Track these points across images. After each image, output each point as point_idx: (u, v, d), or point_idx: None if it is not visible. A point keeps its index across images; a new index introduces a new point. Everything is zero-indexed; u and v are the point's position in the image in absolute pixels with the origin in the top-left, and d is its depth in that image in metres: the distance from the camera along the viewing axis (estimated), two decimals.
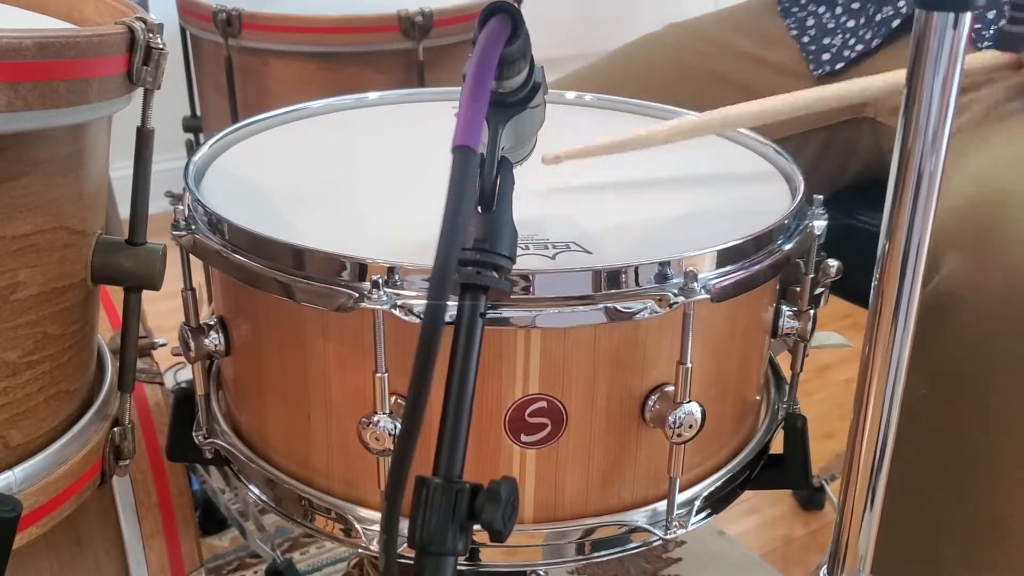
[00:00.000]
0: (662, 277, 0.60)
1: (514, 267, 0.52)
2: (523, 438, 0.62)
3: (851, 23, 1.11)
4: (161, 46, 0.61)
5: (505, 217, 0.52)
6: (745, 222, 0.65)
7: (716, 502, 0.69)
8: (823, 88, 0.82)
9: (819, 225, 0.69)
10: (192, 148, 1.42)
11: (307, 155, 0.84)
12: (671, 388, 0.62)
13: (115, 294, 0.72)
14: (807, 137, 1.10)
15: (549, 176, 0.74)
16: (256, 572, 1.28)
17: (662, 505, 0.66)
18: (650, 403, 0.63)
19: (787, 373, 0.77)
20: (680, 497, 0.66)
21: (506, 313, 0.58)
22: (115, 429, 0.70)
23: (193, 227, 0.67)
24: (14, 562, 0.60)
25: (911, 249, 0.55)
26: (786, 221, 0.67)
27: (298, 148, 0.85)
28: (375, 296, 0.57)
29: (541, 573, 0.81)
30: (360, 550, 0.66)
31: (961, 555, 0.84)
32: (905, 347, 0.58)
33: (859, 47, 1.09)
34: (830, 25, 1.13)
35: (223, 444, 0.72)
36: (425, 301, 0.57)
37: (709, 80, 1.15)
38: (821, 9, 1.15)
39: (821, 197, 0.71)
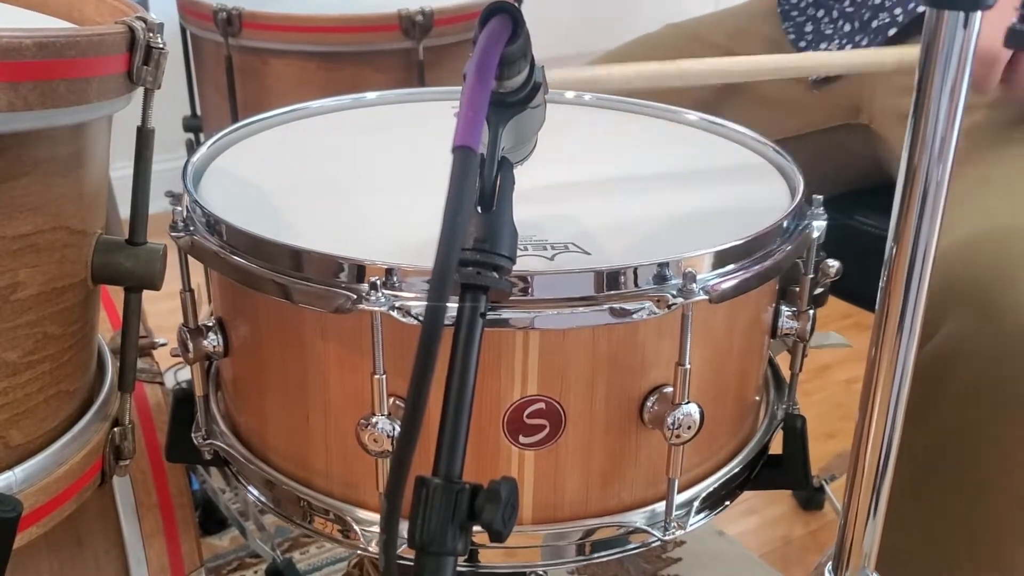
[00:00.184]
0: (661, 278, 0.60)
1: (513, 268, 0.52)
2: (521, 439, 0.62)
3: (847, 27, 1.11)
4: (161, 46, 0.61)
5: (505, 217, 0.52)
6: (744, 222, 0.65)
7: (715, 503, 0.69)
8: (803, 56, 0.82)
9: (818, 225, 0.69)
10: (192, 148, 1.42)
11: (307, 155, 0.84)
12: (670, 389, 0.62)
13: (115, 294, 0.72)
14: (802, 141, 1.10)
15: (549, 176, 0.74)
16: (256, 572, 1.28)
17: (661, 506, 0.66)
18: (649, 404, 0.63)
19: (786, 373, 0.77)
20: (679, 498, 0.66)
21: (505, 314, 0.58)
22: (115, 429, 0.70)
23: (191, 228, 0.67)
24: (14, 562, 0.60)
25: (919, 251, 0.55)
26: (785, 222, 0.67)
27: (298, 148, 0.85)
28: (373, 298, 0.57)
29: (540, 574, 0.81)
30: (359, 551, 0.66)
31: (963, 556, 0.85)
32: (911, 349, 0.58)
33: None
34: (827, 31, 1.13)
35: (222, 445, 0.72)
36: (423, 303, 0.57)
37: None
38: (819, 14, 1.15)
39: (821, 197, 0.71)
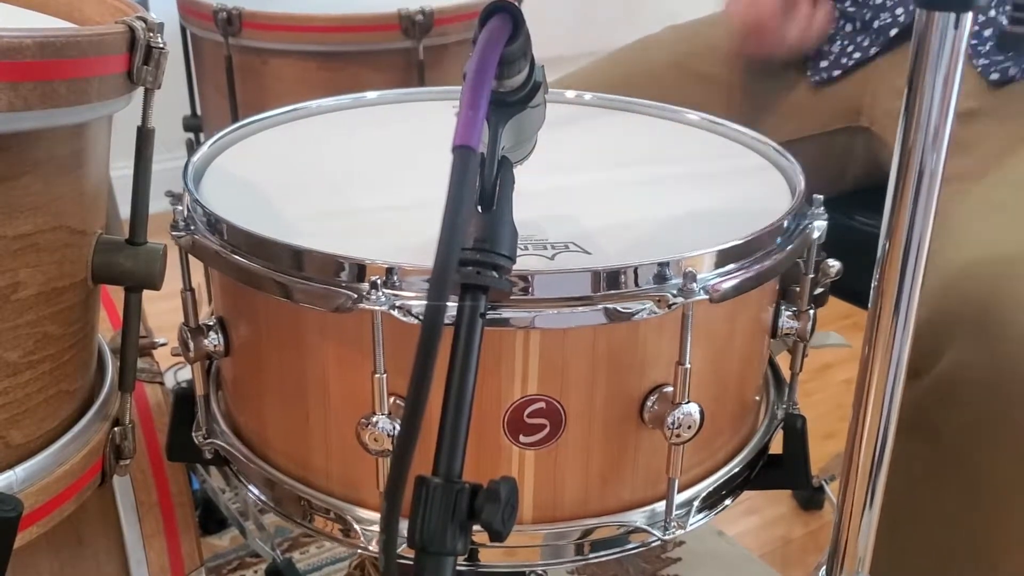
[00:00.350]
0: (661, 278, 0.60)
1: (513, 267, 0.52)
2: (522, 439, 0.62)
3: (848, 28, 1.11)
4: (161, 45, 0.61)
5: (505, 217, 0.52)
6: (745, 222, 0.65)
7: (715, 502, 0.69)
8: None
9: (819, 225, 0.69)
10: (192, 147, 1.42)
11: (307, 155, 0.84)
12: (670, 389, 0.62)
13: (115, 294, 0.72)
14: (802, 144, 1.10)
15: (549, 176, 0.74)
16: (256, 572, 1.28)
17: (661, 505, 0.66)
18: (649, 404, 0.63)
19: (787, 373, 0.77)
20: (679, 498, 0.66)
21: (505, 313, 0.58)
22: (115, 429, 0.70)
23: (192, 228, 0.67)
24: (15, 562, 0.60)
25: (911, 250, 0.55)
26: (785, 222, 0.67)
27: (298, 147, 0.85)
28: (374, 297, 0.57)
29: (540, 573, 0.81)
30: (359, 550, 0.66)
31: (965, 557, 0.85)
32: (905, 347, 0.58)
33: (857, 54, 1.09)
34: (828, 31, 1.13)
35: (222, 444, 0.72)
36: (423, 302, 0.57)
37: (706, 83, 1.15)
38: None
39: (821, 197, 0.71)
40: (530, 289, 0.58)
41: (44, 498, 0.64)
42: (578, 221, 0.69)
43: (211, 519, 1.32)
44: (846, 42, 1.11)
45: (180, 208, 0.68)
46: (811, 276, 0.70)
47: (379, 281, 0.58)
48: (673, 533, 0.66)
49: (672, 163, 0.82)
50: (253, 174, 0.77)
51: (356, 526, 0.65)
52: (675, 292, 0.59)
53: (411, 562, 0.45)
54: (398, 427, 0.60)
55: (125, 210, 0.68)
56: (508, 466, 0.62)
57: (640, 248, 0.66)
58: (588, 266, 0.60)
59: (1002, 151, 0.95)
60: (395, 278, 0.58)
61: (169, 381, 1.26)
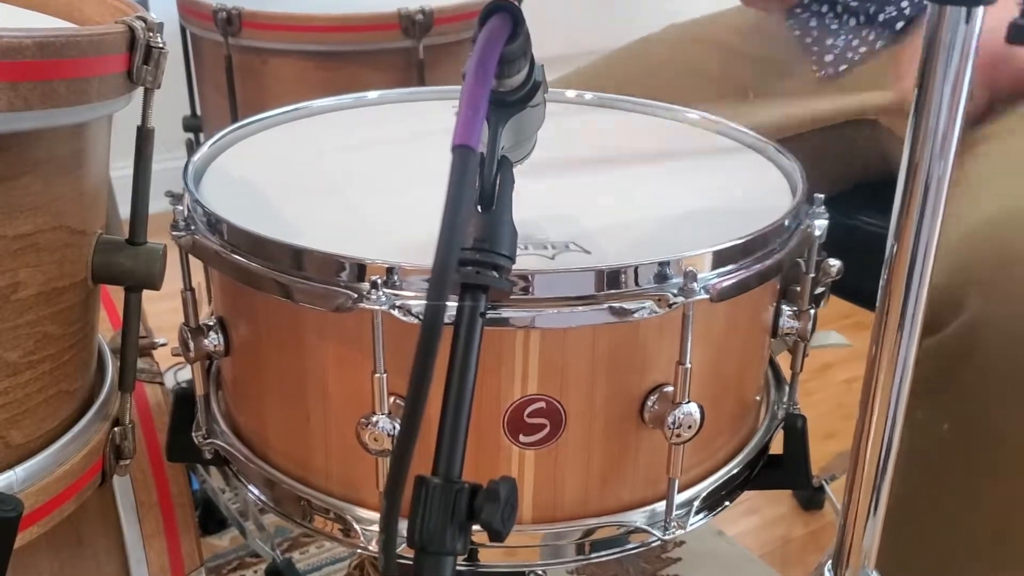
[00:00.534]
0: (661, 277, 0.60)
1: (513, 267, 0.52)
2: (522, 438, 0.62)
3: (852, 22, 1.11)
4: (161, 45, 0.61)
5: (505, 216, 0.52)
6: (745, 222, 0.65)
7: (715, 502, 0.69)
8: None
9: (820, 224, 0.69)
10: (192, 147, 1.42)
11: (307, 154, 0.84)
12: (670, 388, 0.62)
13: (115, 294, 0.72)
14: (808, 138, 1.10)
15: (549, 175, 0.74)
16: (256, 572, 1.28)
17: (661, 505, 0.65)
18: (649, 403, 0.63)
19: (787, 373, 0.77)
20: (679, 498, 0.66)
21: (505, 313, 0.58)
22: (115, 429, 0.70)
23: (192, 227, 0.67)
24: (15, 562, 0.60)
25: (919, 249, 0.55)
26: (786, 221, 0.67)
27: (298, 147, 0.85)
28: (374, 296, 0.57)
29: (540, 573, 0.81)
30: (359, 550, 0.66)
31: (967, 556, 0.84)
32: (911, 348, 0.58)
33: (863, 49, 1.09)
34: (833, 26, 1.13)
35: (222, 444, 0.72)
36: (423, 301, 0.57)
37: (709, 80, 1.15)
38: (824, 9, 1.15)
39: (822, 196, 0.71)
40: (530, 289, 0.58)
41: (44, 498, 0.64)
42: (578, 221, 0.69)
43: (211, 519, 1.32)
44: (851, 36, 1.10)
45: (180, 208, 0.68)
46: (812, 275, 0.70)
47: (379, 281, 0.58)
48: (673, 533, 0.66)
49: (672, 162, 0.82)
50: (253, 174, 0.77)
51: (356, 526, 0.65)
52: (675, 291, 0.59)
53: (411, 562, 0.45)
54: (398, 427, 0.60)
55: (125, 210, 0.68)
56: (508, 466, 0.62)
57: (640, 247, 0.66)
58: (588, 265, 0.60)
59: (1020, 115, 0.94)
60: (395, 278, 0.58)
61: (169, 381, 1.26)
